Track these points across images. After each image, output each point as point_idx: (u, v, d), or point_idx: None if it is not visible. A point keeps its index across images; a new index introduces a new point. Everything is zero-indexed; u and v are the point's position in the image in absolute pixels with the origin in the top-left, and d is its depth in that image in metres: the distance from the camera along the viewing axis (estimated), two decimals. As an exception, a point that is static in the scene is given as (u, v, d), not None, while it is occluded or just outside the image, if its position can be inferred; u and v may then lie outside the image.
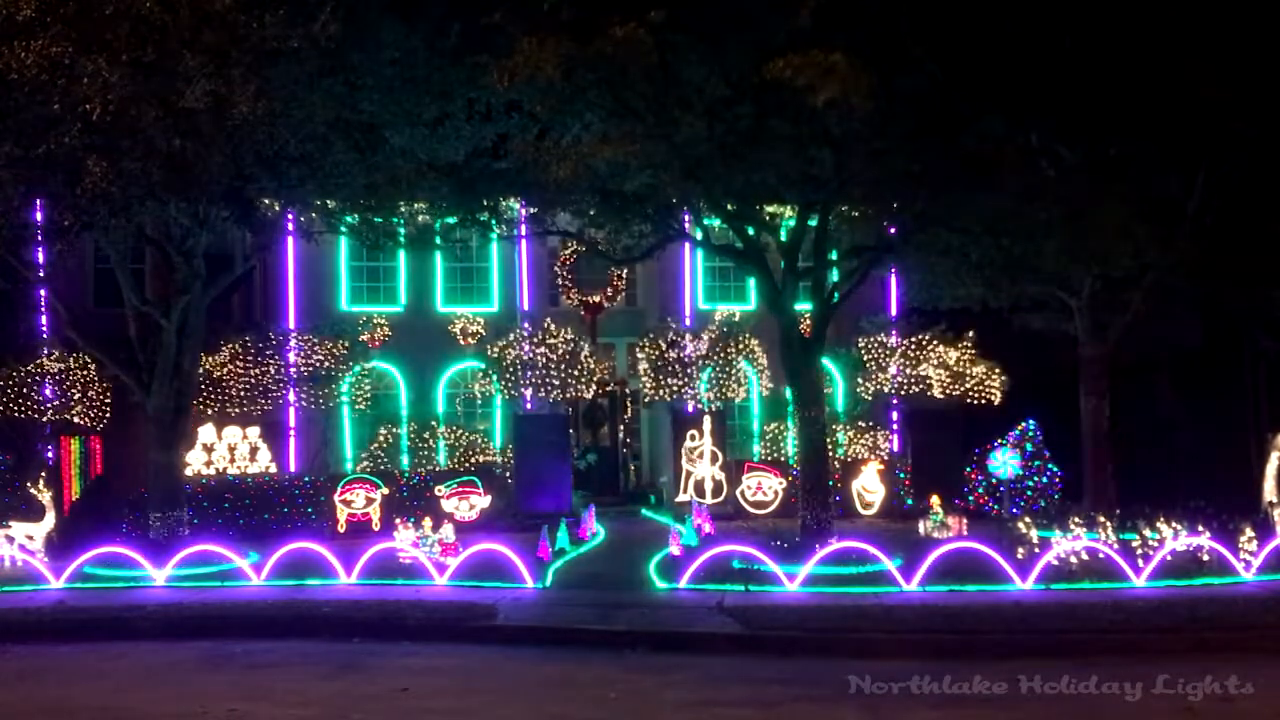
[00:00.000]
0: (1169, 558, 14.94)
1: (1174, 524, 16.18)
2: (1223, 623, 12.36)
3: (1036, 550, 15.36)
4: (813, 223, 17.09)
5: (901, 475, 23.24)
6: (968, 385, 23.94)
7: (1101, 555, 15.07)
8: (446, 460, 22.95)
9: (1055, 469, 21.38)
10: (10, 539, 17.06)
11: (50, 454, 20.59)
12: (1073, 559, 15.02)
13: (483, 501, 20.98)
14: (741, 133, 14.74)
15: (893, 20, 14.05)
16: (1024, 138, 15.86)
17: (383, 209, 18.07)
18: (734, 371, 23.89)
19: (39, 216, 16.56)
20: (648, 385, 23.89)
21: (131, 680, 11.22)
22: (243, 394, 21.92)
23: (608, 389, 25.75)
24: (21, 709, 10.23)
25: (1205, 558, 15.00)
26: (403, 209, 18.91)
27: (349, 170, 16.23)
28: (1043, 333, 21.85)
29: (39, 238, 16.54)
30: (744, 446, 24.64)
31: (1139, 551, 15.25)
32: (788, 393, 17.65)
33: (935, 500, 19.43)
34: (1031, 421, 21.55)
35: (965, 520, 19.10)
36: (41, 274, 18.42)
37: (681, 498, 22.92)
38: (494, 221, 19.33)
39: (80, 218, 14.71)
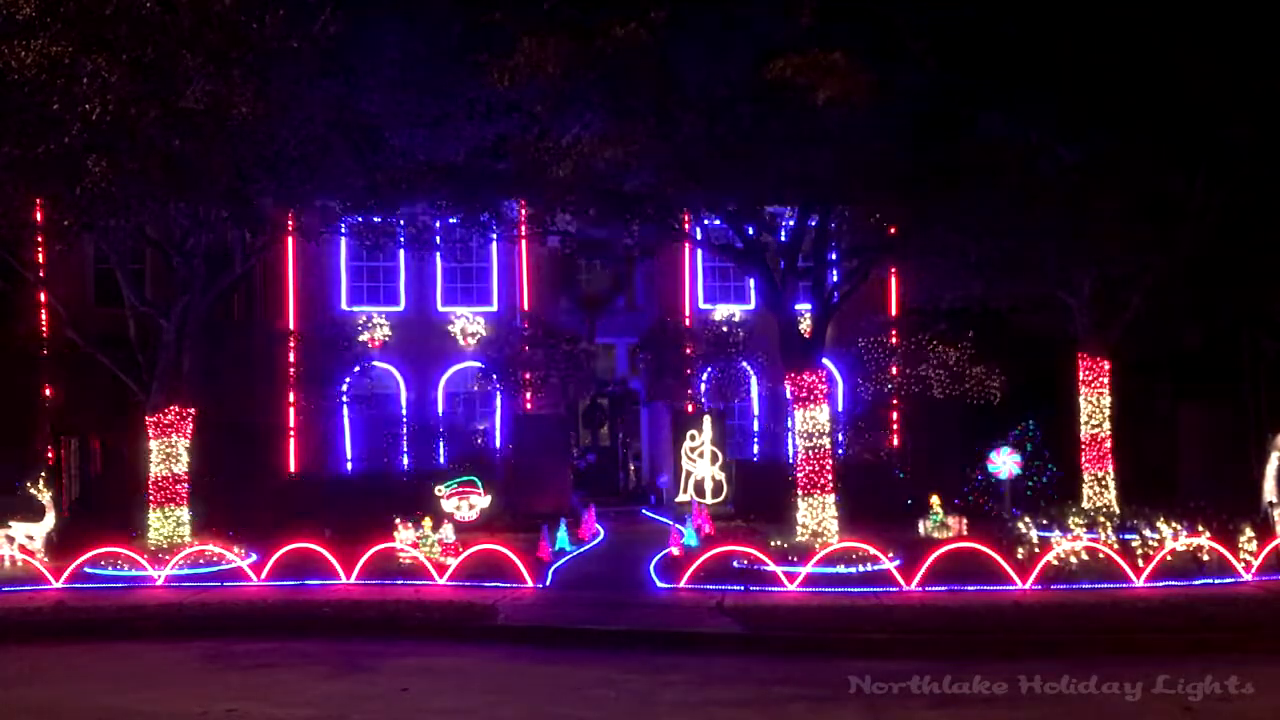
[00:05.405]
0: (1169, 558, 14.95)
1: (1174, 524, 16.24)
2: (1223, 623, 12.35)
3: (1036, 550, 15.37)
4: (813, 223, 17.09)
5: (901, 475, 23.22)
6: (967, 385, 23.88)
7: (1101, 555, 15.08)
8: (446, 460, 22.92)
9: (1055, 469, 21.39)
10: (10, 539, 17.06)
11: (50, 454, 20.58)
12: (1073, 559, 15.03)
13: (483, 501, 20.92)
14: (741, 133, 14.73)
15: (892, 19, 14.04)
16: (1024, 138, 15.84)
17: (383, 209, 18.07)
18: (734, 371, 23.86)
19: (39, 216, 16.55)
20: (648, 385, 23.87)
21: (131, 680, 11.22)
22: (242, 394, 21.89)
23: (608, 389, 25.75)
24: (21, 709, 10.24)
25: (1205, 558, 14.99)
26: (403, 209, 18.90)
27: (349, 170, 16.23)
28: (1043, 333, 21.82)
29: (39, 238, 16.54)
30: (744, 446, 24.62)
31: (1139, 551, 15.26)
32: (787, 392, 17.61)
33: (935, 500, 19.43)
34: (1031, 421, 21.56)
35: (965, 520, 19.09)
36: (41, 274, 18.42)
37: (681, 498, 22.90)
38: (494, 222, 19.32)
39: (80, 218, 14.71)
